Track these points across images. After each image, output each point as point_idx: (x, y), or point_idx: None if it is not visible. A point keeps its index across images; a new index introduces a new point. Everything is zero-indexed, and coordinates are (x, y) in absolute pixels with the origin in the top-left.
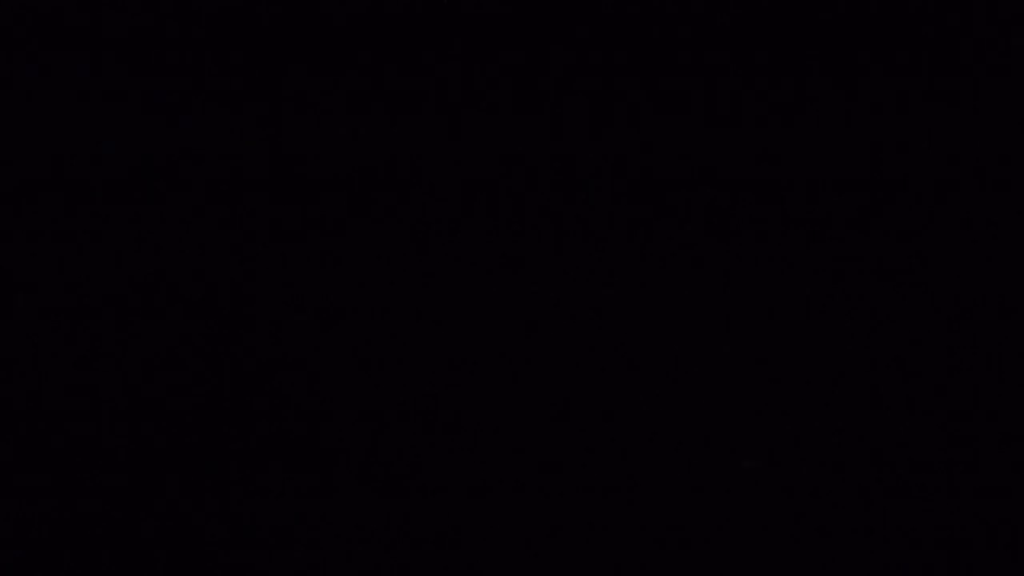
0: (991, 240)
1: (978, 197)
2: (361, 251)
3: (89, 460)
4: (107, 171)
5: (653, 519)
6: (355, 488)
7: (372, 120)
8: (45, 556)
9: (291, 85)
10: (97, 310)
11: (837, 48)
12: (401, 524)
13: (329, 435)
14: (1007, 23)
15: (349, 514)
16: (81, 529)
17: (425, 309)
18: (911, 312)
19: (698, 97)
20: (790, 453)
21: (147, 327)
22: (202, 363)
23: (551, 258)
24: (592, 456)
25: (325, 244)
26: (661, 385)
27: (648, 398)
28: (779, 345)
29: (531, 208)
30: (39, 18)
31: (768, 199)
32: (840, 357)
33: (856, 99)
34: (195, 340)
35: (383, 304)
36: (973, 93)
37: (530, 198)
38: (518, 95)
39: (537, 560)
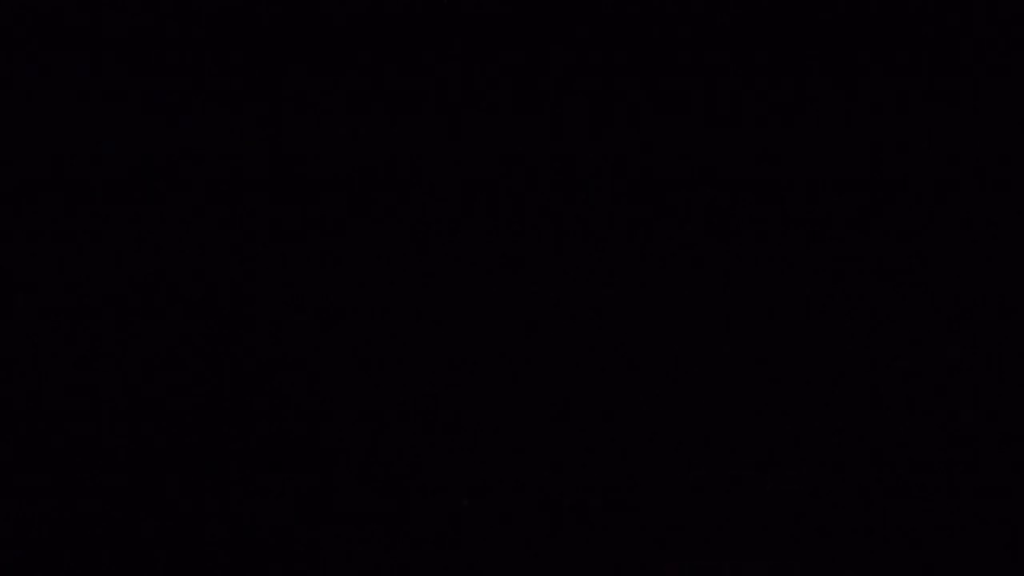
0: (991, 240)
1: (978, 197)
2: (361, 251)
3: (89, 460)
4: (107, 171)
5: (652, 519)
6: (355, 488)
7: (372, 120)
8: (45, 556)
9: (291, 85)
10: (97, 310)
11: (837, 48)
12: (401, 524)
13: (329, 435)
14: (1007, 23)
15: (349, 514)
16: (81, 529)
17: (425, 309)
18: (911, 312)
19: (698, 97)
20: (790, 453)
21: (147, 327)
22: (202, 363)
23: (551, 258)
24: (592, 456)
25: (325, 244)
26: (661, 385)
27: (648, 398)
28: (779, 345)
29: (531, 208)
30: (39, 18)
31: (768, 199)
32: (840, 357)
33: (856, 99)
34: (195, 340)
35: (383, 304)
36: (973, 93)
37: (530, 198)
38: (518, 95)
39: (537, 560)
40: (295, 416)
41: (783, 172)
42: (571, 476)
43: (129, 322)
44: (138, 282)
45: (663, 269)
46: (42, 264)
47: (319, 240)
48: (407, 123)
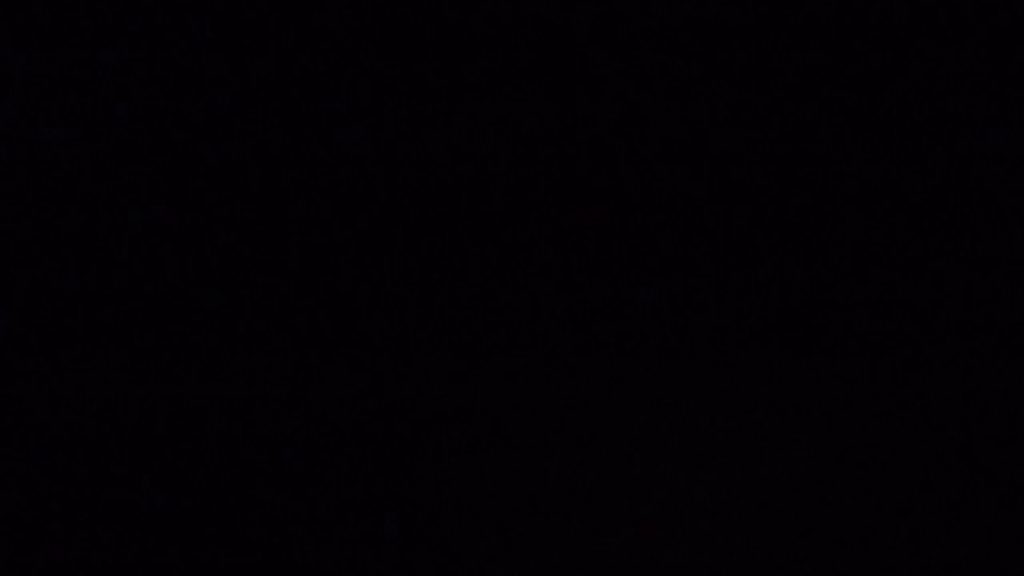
0: (991, 240)
1: (978, 197)
2: (361, 251)
3: (89, 460)
4: (107, 171)
5: (652, 520)
6: (355, 488)
7: (372, 120)
8: (45, 556)
9: (291, 85)
10: (97, 310)
11: (837, 48)
12: (400, 523)
13: (329, 435)
14: (1007, 22)
15: (349, 514)
16: (81, 529)
17: (425, 309)
18: (911, 312)
19: (698, 97)
20: (789, 454)
21: (147, 327)
22: (202, 363)
23: (551, 258)
24: (592, 457)
25: (324, 244)
26: (661, 385)
27: (648, 399)
28: (779, 345)
29: (530, 208)
30: (39, 18)
31: (768, 199)
32: (840, 357)
33: (856, 99)
34: (195, 340)
35: (383, 304)
36: (973, 94)
37: (530, 198)
38: (518, 95)
39: (537, 560)
40: (295, 415)
41: (783, 172)
42: (570, 476)
43: (129, 322)
44: (138, 282)
45: (663, 268)
46: (42, 264)
47: (318, 240)
48: (407, 123)
